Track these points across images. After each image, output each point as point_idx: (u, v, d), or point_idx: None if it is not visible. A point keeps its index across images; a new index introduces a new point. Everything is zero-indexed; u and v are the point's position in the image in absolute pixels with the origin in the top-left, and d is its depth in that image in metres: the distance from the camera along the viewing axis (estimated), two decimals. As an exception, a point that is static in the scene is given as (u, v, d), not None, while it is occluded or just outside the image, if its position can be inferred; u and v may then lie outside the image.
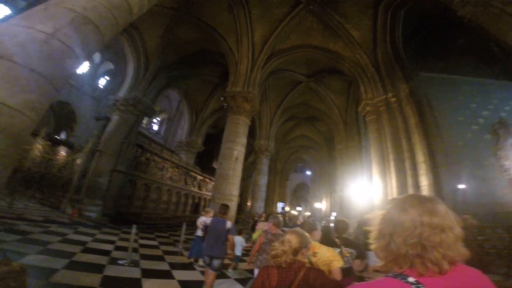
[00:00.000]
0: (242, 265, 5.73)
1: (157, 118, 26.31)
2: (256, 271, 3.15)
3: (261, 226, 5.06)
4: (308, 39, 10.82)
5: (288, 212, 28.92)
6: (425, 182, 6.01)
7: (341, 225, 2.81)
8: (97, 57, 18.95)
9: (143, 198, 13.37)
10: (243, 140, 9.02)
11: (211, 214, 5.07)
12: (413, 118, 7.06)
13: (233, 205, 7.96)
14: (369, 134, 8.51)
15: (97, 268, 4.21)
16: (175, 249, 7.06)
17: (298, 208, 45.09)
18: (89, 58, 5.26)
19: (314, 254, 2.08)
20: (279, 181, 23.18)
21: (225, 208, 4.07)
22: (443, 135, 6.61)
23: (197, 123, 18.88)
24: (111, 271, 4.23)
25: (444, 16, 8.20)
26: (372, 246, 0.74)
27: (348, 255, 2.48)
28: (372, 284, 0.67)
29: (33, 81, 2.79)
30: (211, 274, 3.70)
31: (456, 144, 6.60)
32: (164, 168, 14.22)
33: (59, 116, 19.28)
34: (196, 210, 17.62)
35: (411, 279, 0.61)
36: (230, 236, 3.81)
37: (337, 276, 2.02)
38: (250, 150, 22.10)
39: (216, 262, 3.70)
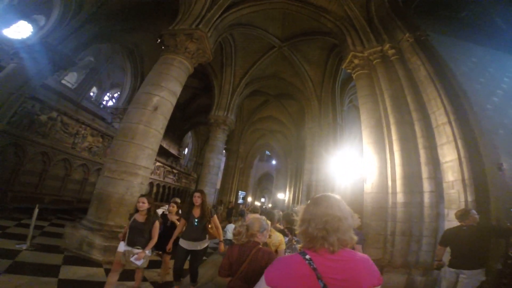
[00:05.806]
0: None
1: (108, 93, 21.86)
2: None
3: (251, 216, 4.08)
4: (291, -12, 8.34)
5: (250, 203, 26.63)
6: (450, 157, 3.71)
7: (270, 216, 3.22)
8: (42, 20, 14.29)
9: (40, 172, 9.47)
10: (174, 86, 5.81)
11: None
12: (423, 68, 4.74)
13: (137, 184, 4.79)
14: (357, 93, 6.07)
15: None
16: (16, 247, 4.07)
17: (262, 200, 43.62)
18: None
19: (269, 236, 2.60)
20: (241, 167, 20.33)
21: None
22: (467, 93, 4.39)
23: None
24: None
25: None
26: (297, 232, 0.99)
27: (295, 242, 2.84)
28: (286, 257, 0.95)
29: None
30: None
31: (485, 107, 4.51)
32: (79, 134, 10.33)
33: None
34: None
35: (307, 256, 0.86)
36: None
37: (281, 255, 2.55)
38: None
39: None
